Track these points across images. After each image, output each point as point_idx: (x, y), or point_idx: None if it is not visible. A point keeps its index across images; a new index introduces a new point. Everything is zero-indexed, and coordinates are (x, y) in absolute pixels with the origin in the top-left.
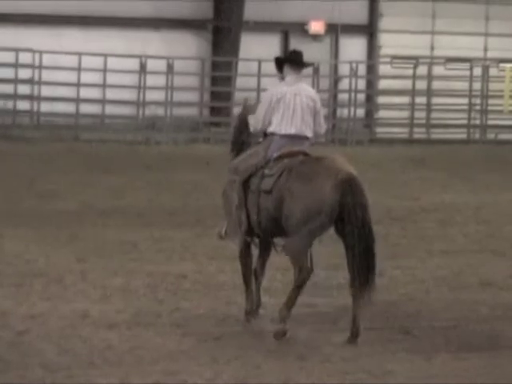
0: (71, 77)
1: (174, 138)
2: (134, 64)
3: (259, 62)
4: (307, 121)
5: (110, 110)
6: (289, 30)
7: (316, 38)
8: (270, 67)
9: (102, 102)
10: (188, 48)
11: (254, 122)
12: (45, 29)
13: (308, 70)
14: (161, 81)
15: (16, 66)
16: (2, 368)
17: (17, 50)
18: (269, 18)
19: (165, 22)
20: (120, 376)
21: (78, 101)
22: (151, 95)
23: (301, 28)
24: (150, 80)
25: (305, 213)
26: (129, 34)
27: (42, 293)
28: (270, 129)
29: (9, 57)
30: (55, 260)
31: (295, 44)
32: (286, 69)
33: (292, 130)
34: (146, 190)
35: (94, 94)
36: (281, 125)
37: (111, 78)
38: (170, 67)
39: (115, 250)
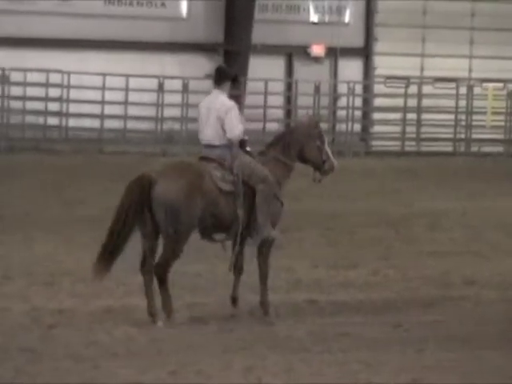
0: (96, 95)
1: (188, 150)
2: (152, 84)
3: (266, 81)
4: (217, 131)
5: (131, 125)
6: (292, 52)
7: (317, 60)
8: (276, 86)
9: (124, 117)
10: (201, 69)
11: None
12: (72, 52)
13: (309, 89)
14: (177, 99)
15: (46, 85)
16: (34, 359)
17: (47, 71)
18: (274, 42)
19: (180, 45)
20: (141, 366)
21: (102, 117)
22: (168, 112)
23: (303, 51)
24: (167, 98)
25: None
26: (148, 57)
27: (69, 290)
28: (199, 137)
29: (40, 77)
30: (81, 260)
31: (298, 65)
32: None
33: (204, 141)
34: None
35: (117, 110)
36: (200, 135)
37: (132, 97)
38: (185, 86)
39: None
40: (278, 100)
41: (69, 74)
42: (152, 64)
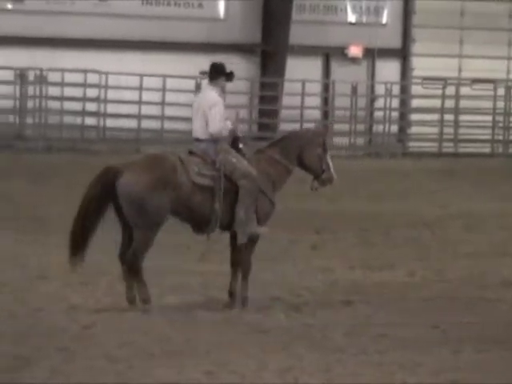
0: (133, 95)
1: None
2: (189, 84)
3: (303, 82)
4: (203, 126)
5: (168, 125)
6: (330, 53)
7: (354, 60)
8: (313, 87)
9: (161, 118)
10: (238, 70)
11: None
12: (110, 52)
13: (346, 90)
14: None
15: (84, 85)
16: (69, 358)
17: (85, 72)
18: (312, 43)
19: (217, 46)
20: (175, 366)
21: (139, 117)
22: None
23: (341, 52)
24: None
25: None
26: (185, 57)
27: (106, 290)
28: None
29: (78, 77)
30: (115, 261)
31: (336, 66)
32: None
33: (194, 135)
34: None
35: (154, 111)
36: (192, 130)
37: (169, 97)
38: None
39: (171, 251)
40: (315, 101)
41: (106, 74)
42: (189, 64)
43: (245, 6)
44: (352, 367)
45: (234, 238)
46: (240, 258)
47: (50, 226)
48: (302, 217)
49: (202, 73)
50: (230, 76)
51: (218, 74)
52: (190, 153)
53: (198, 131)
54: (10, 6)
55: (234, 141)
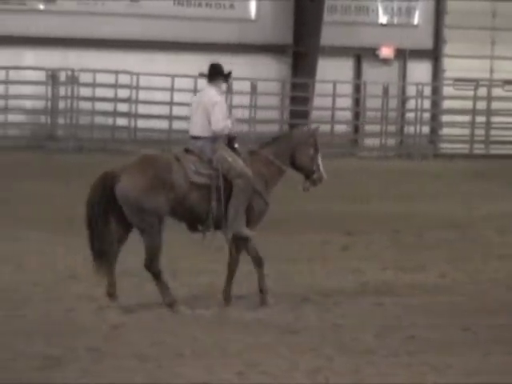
0: (164, 96)
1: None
2: None
3: (334, 83)
4: (202, 124)
5: None
6: (361, 54)
7: (386, 61)
8: (344, 88)
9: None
10: (270, 71)
11: None
12: (141, 53)
13: (377, 91)
14: (245, 100)
15: (115, 86)
16: (98, 357)
17: (116, 72)
18: (343, 44)
19: (248, 47)
20: (206, 367)
21: (170, 118)
22: (237, 113)
23: (372, 53)
24: (236, 99)
25: None
26: (216, 58)
27: (135, 290)
28: None
29: (109, 78)
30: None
31: (367, 67)
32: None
33: (191, 133)
34: None
35: (185, 111)
36: (190, 128)
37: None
38: (253, 88)
39: (201, 252)
40: (346, 102)
41: (137, 75)
42: None
43: (276, 6)
44: (382, 368)
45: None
46: (232, 256)
47: (81, 226)
48: (333, 218)
49: (201, 74)
50: (228, 76)
51: (216, 74)
52: (187, 151)
53: (197, 129)
54: (42, 7)
55: (230, 140)
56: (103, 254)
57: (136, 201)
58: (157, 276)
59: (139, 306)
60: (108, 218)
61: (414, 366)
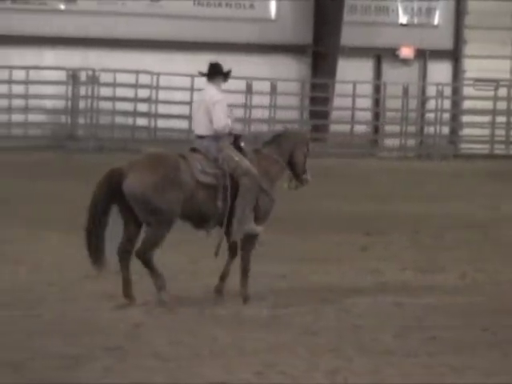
0: (184, 96)
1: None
2: (240, 85)
3: (354, 84)
4: (203, 122)
5: None
6: (381, 54)
7: (406, 62)
8: (364, 88)
9: None
10: (290, 71)
11: None
12: (162, 53)
13: (397, 91)
14: (265, 100)
15: (136, 86)
16: (120, 356)
17: (137, 72)
18: (363, 44)
19: (269, 47)
20: (224, 366)
21: (190, 118)
22: (256, 113)
23: (392, 53)
24: (256, 99)
25: None
26: (236, 58)
27: (154, 289)
28: None
29: (130, 78)
30: (169, 261)
31: (387, 67)
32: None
33: (196, 132)
34: None
35: None
36: (194, 127)
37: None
38: (273, 88)
39: (222, 252)
40: (366, 102)
41: (158, 75)
42: (240, 65)
43: (296, 6)
44: (401, 369)
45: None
46: (240, 254)
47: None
48: (353, 218)
49: (200, 73)
50: (227, 75)
51: (216, 73)
52: (192, 150)
53: (201, 128)
54: (62, 7)
55: (236, 139)
56: (99, 250)
57: (143, 198)
58: (147, 263)
59: (159, 304)
60: (107, 215)
61: (434, 367)
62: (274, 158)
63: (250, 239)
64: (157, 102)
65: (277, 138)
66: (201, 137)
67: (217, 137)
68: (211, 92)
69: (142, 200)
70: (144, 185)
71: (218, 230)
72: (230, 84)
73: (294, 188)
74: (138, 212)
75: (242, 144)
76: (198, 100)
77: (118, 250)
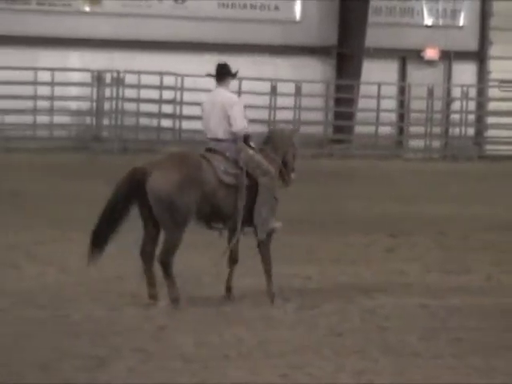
0: None
1: (300, 153)
2: (265, 86)
3: (379, 85)
4: (221, 125)
5: None
6: (406, 56)
7: (431, 63)
8: (389, 90)
9: None
10: (314, 72)
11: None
12: (186, 55)
13: (422, 93)
14: (290, 102)
15: (161, 88)
16: (145, 358)
17: (161, 74)
18: (388, 46)
19: (294, 49)
20: (250, 368)
21: None
22: (281, 115)
23: (417, 54)
24: (280, 101)
25: None
26: (261, 60)
27: (180, 291)
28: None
29: (154, 79)
30: (193, 263)
31: (412, 69)
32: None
33: (208, 135)
34: None
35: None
36: (204, 129)
37: (245, 99)
38: (298, 89)
39: (247, 253)
40: (390, 104)
41: (182, 76)
42: (265, 67)
43: (321, 8)
44: (427, 371)
45: (232, 233)
46: (261, 254)
47: (125, 226)
48: (378, 220)
49: (209, 74)
50: (235, 75)
51: (225, 74)
52: (210, 150)
53: (218, 131)
54: (87, 9)
55: (245, 139)
56: (102, 246)
57: (167, 197)
58: (167, 270)
59: (184, 306)
60: (127, 215)
61: (459, 369)
62: (273, 157)
63: (267, 237)
64: (181, 103)
65: (271, 138)
66: (218, 140)
67: (234, 139)
68: (225, 94)
69: (165, 199)
70: (168, 183)
71: (233, 231)
72: (255, 85)
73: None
74: (158, 211)
75: (252, 143)
76: (208, 102)
77: (141, 252)
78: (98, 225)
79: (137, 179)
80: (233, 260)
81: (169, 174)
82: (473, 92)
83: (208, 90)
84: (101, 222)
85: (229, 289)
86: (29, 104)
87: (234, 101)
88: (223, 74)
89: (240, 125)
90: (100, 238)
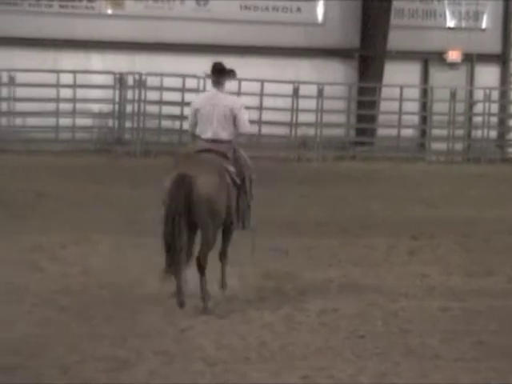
0: None
1: (323, 155)
2: (287, 89)
3: (401, 87)
4: (224, 126)
5: (266, 130)
6: (428, 58)
7: (453, 66)
8: (411, 92)
9: (259, 122)
10: (336, 74)
11: (188, 125)
12: (208, 57)
13: (445, 95)
14: (312, 104)
15: (183, 90)
16: (167, 361)
17: (184, 76)
18: (410, 48)
19: (316, 51)
20: (272, 370)
21: None
22: (303, 117)
23: (439, 57)
24: (302, 103)
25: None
26: (283, 62)
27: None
28: (196, 132)
29: (177, 82)
30: (216, 266)
31: (434, 71)
32: (211, 82)
33: (209, 135)
34: (296, 203)
35: (252, 115)
36: (201, 130)
37: (267, 102)
38: (320, 92)
39: (269, 256)
40: (413, 106)
41: (204, 78)
42: (287, 69)
43: (343, 10)
44: (449, 373)
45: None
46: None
47: (148, 229)
48: (400, 222)
49: (207, 75)
50: (231, 74)
51: (223, 74)
52: (208, 151)
53: (222, 133)
54: (109, 11)
55: None
56: (179, 253)
57: (212, 200)
58: (203, 271)
59: (207, 308)
60: (184, 220)
61: (481, 371)
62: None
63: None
64: None
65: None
66: (219, 141)
67: (233, 139)
68: (228, 96)
69: (211, 202)
70: (213, 187)
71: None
72: (277, 88)
73: None
74: (203, 215)
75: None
76: (206, 103)
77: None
78: (168, 243)
79: (187, 185)
80: (224, 257)
81: (211, 179)
82: (495, 94)
83: (230, 93)
84: (170, 239)
85: (224, 285)
86: (51, 106)
87: (240, 103)
88: (219, 74)
89: (248, 126)
90: (175, 255)
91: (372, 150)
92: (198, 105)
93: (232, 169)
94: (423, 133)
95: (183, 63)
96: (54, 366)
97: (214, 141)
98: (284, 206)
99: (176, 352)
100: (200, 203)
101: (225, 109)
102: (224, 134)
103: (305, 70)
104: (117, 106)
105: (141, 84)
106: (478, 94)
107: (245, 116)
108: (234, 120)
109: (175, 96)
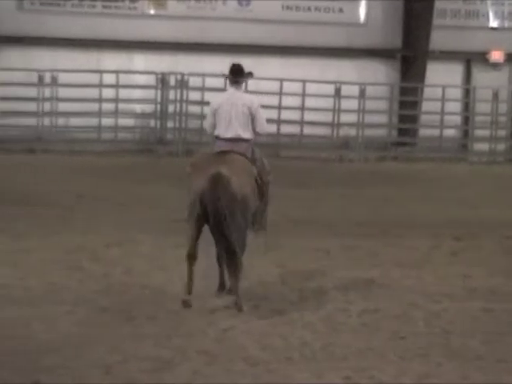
0: (273, 100)
1: (364, 156)
2: (329, 89)
3: (443, 88)
4: (243, 125)
5: (308, 130)
6: (471, 58)
7: (496, 66)
8: (453, 93)
9: (301, 123)
10: (378, 75)
11: (207, 126)
12: (250, 57)
13: (487, 96)
14: (353, 104)
15: (224, 90)
16: (209, 361)
17: (225, 76)
18: (453, 48)
19: (358, 51)
20: (314, 371)
21: (279, 122)
22: (345, 117)
23: (482, 57)
24: (344, 104)
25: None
26: (325, 62)
27: (244, 294)
28: (215, 132)
29: (218, 82)
30: (257, 266)
31: (476, 71)
32: (228, 82)
33: (228, 135)
34: (337, 203)
35: (294, 115)
36: (220, 130)
37: (309, 102)
38: (362, 92)
39: (310, 256)
40: (455, 106)
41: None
42: (329, 69)
43: (385, 10)
44: (491, 375)
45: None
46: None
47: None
48: (442, 223)
49: (224, 75)
50: (249, 75)
51: (241, 74)
52: (226, 151)
53: (243, 132)
54: (152, 12)
55: None
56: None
57: (246, 199)
58: (241, 270)
59: (248, 310)
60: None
61: None
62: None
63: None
64: None
65: None
66: (238, 140)
67: (252, 139)
68: (246, 95)
69: (245, 201)
70: (246, 187)
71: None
72: (319, 88)
73: None
74: (235, 214)
75: None
76: (225, 102)
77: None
78: (196, 232)
79: (224, 185)
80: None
81: (244, 178)
82: None
83: (271, 93)
84: (198, 228)
85: (222, 286)
86: (93, 106)
87: (257, 102)
88: (238, 75)
89: (266, 126)
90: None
91: (414, 150)
92: (216, 105)
93: (255, 170)
94: (465, 133)
95: (225, 63)
96: (96, 366)
97: (234, 140)
98: (325, 206)
99: (218, 352)
100: (235, 200)
101: (243, 108)
102: (244, 133)
103: (347, 70)
104: (159, 106)
105: (183, 84)
106: None
107: (263, 115)
108: (253, 120)
109: (216, 96)
